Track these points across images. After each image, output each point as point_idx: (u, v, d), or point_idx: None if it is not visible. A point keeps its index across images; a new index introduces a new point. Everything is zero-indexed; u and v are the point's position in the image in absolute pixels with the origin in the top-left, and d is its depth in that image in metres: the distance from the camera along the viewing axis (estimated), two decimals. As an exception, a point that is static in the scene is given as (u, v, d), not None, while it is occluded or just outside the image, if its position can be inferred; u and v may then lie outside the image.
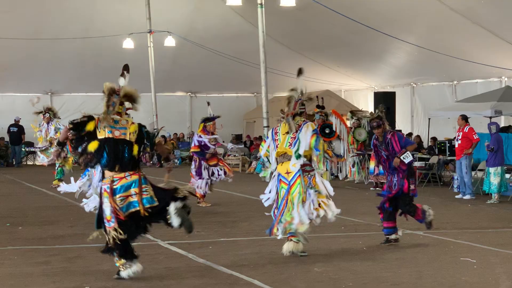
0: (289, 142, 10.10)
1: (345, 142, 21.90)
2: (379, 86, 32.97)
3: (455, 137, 18.94)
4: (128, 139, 8.34)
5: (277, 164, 10.17)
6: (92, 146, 8.25)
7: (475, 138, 17.74)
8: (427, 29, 25.36)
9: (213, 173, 15.96)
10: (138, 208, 8.24)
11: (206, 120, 16.06)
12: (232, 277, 8.55)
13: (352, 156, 22.35)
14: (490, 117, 22.17)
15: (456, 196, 17.93)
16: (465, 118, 18.10)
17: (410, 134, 27.46)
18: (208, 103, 16.78)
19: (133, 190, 8.23)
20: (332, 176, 22.68)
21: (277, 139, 10.24)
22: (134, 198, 8.23)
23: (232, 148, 23.99)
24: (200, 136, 15.92)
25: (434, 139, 24.82)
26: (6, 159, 32.35)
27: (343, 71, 32.67)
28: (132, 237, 8.41)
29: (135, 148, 8.35)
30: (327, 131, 21.35)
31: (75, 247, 10.41)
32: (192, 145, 16.13)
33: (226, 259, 9.54)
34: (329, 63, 31.89)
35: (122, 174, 8.22)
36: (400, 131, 24.52)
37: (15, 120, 31.61)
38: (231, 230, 12.43)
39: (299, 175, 9.95)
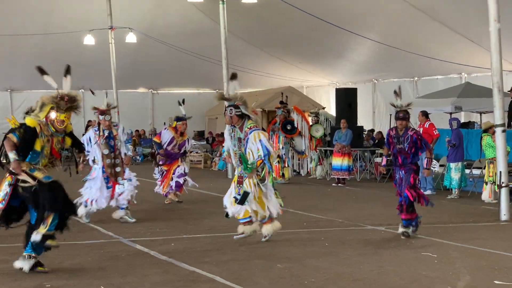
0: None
1: (307, 139, 21.96)
2: (340, 82, 33.12)
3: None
4: None
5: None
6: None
7: (435, 133, 17.87)
8: (388, 26, 25.51)
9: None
10: None
11: (177, 119, 15.84)
12: (194, 273, 8.53)
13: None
14: (451, 113, 22.38)
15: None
16: (425, 114, 18.23)
17: (372, 130, 27.62)
18: (180, 103, 16.47)
19: None
20: (294, 173, 22.75)
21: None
22: None
23: (194, 144, 23.95)
24: (163, 130, 15.85)
25: (395, 134, 24.95)
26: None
27: (304, 68, 32.75)
28: None
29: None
30: (288, 128, 21.43)
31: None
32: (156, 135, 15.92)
33: (188, 256, 9.52)
34: (291, 60, 31.95)
35: None
36: (361, 127, 24.70)
37: None
38: (193, 227, 12.40)
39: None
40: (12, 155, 8.52)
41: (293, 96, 30.33)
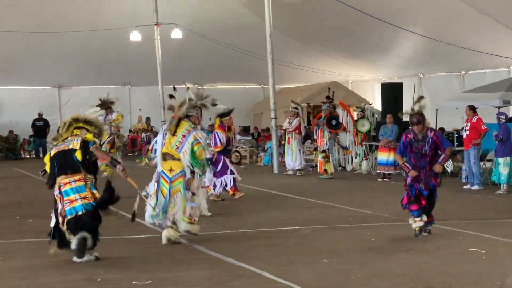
0: (176, 146, 10.31)
1: (351, 134, 21.88)
2: (386, 77, 32.90)
3: (463, 128, 18.88)
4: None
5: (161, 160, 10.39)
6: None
7: (483, 128, 17.66)
8: (434, 19, 25.28)
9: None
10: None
11: (221, 115, 15.57)
12: (240, 268, 8.56)
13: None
14: (499, 107, 22.10)
15: (465, 187, 17.89)
16: (473, 109, 18.03)
17: (417, 125, 27.33)
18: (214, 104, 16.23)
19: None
20: (339, 168, 22.68)
21: (165, 138, 10.44)
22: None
23: (240, 140, 23.98)
24: (216, 134, 15.34)
25: (441, 129, 24.73)
26: (15, 152, 32.52)
27: (350, 62, 32.62)
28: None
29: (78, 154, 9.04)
30: (333, 123, 21.39)
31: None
32: (213, 145, 15.02)
33: (234, 251, 9.55)
34: (336, 55, 31.84)
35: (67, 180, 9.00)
36: (407, 122, 24.47)
37: (39, 114, 32.04)
38: (239, 223, 12.43)
39: (181, 175, 10.25)
40: (117, 158, 9.01)
41: (339, 91, 30.22)
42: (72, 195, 8.90)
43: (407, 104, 27.38)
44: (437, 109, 25.28)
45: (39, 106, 32.45)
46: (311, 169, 23.57)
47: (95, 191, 9.00)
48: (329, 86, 25.73)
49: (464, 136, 18.13)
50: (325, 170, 20.85)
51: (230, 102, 16.17)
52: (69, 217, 8.84)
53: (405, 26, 25.12)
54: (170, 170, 10.23)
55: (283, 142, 24.22)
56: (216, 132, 15.21)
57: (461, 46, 24.46)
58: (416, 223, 10.66)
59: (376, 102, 30.96)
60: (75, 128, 9.28)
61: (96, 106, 9.92)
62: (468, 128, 17.86)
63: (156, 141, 10.65)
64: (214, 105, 12.05)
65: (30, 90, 33.20)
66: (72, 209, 8.84)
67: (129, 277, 8.08)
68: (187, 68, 32.78)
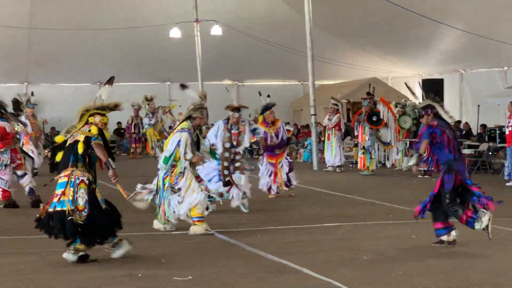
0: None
1: (393, 130, 21.74)
2: (426, 73, 32.63)
3: (506, 124, 18.68)
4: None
5: None
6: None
7: (526, 124, 17.46)
8: (476, 14, 25.02)
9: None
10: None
11: (263, 110, 15.54)
12: (280, 264, 8.56)
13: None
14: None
15: (507, 184, 17.70)
16: (515, 105, 17.83)
17: (459, 122, 27.16)
18: (260, 93, 16.35)
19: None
20: (380, 164, 22.56)
21: None
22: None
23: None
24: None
25: (483, 126, 24.53)
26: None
27: (390, 59, 32.39)
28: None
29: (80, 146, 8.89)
30: (374, 119, 21.27)
31: (125, 235, 10.50)
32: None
33: (274, 247, 9.54)
34: (376, 50, 31.65)
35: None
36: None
37: None
38: (278, 219, 12.43)
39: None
40: (111, 163, 8.86)
41: (378, 87, 29.99)
42: (58, 190, 8.81)
43: (449, 101, 27.31)
44: (478, 106, 25.10)
45: (80, 102, 32.51)
46: (351, 165, 23.50)
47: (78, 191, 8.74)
48: (369, 82, 25.60)
49: (507, 132, 17.93)
50: (367, 166, 20.81)
51: (265, 97, 16.13)
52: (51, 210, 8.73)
53: (446, 21, 24.89)
54: None
55: (322, 138, 24.17)
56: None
57: (504, 41, 24.16)
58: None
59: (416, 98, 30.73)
60: (90, 116, 9.27)
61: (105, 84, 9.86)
62: (510, 124, 17.65)
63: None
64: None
65: (72, 87, 33.46)
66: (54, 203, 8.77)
67: (169, 273, 8.11)
68: (227, 65, 32.82)
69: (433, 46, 29.35)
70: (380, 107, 21.62)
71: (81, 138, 8.92)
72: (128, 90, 31.56)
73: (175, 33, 30.49)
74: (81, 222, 8.63)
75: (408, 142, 22.04)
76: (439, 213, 9.67)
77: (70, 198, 8.67)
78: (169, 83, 34.83)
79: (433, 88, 23.38)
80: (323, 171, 22.29)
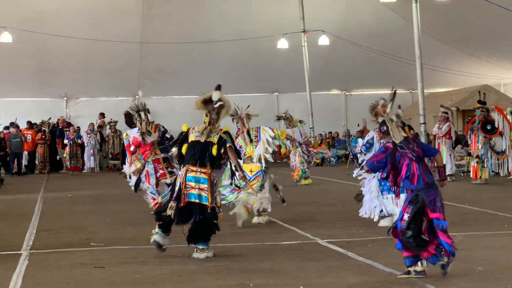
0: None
1: (508, 139, 21.21)
2: (541, 79, 31.83)
3: None
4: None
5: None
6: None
7: None
8: None
9: None
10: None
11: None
12: (391, 275, 8.48)
13: None
14: None
15: None
16: None
17: None
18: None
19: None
20: (493, 173, 22.06)
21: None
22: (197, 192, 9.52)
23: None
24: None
25: None
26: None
27: (502, 65, 31.73)
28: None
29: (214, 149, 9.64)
30: (488, 128, 20.83)
31: (236, 245, 10.64)
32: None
33: (385, 257, 9.46)
34: (487, 57, 31.07)
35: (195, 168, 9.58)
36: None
37: None
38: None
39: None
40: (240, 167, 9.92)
41: (490, 95, 29.45)
42: (193, 182, 9.49)
43: None
44: None
45: (190, 115, 33.15)
46: (462, 174, 23.07)
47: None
48: (479, 89, 25.11)
49: None
50: (480, 175, 20.40)
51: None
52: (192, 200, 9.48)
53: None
54: (250, 171, 12.44)
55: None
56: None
57: None
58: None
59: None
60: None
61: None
62: None
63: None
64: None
65: (182, 99, 34.09)
66: (190, 194, 9.48)
67: (281, 283, 8.15)
68: (334, 74, 32.87)
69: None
70: (495, 115, 21.13)
71: (214, 140, 9.66)
72: (236, 101, 31.89)
73: (282, 44, 30.72)
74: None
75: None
76: None
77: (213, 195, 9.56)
78: (277, 93, 35.05)
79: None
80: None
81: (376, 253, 9.90)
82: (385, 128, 8.69)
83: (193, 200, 9.49)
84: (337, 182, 21.64)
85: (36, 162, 30.66)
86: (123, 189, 15.93)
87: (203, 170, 9.52)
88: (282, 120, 21.49)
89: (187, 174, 9.51)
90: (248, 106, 13.80)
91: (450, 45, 30.81)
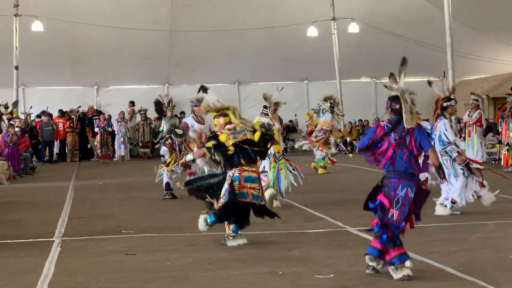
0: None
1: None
2: None
3: None
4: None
5: None
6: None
7: None
8: None
9: None
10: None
11: None
12: (423, 263, 8.47)
13: None
14: None
15: None
16: None
17: None
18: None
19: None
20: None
21: None
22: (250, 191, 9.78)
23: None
24: None
25: None
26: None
27: (534, 52, 31.45)
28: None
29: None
30: (520, 116, 20.64)
31: (266, 233, 10.66)
32: None
33: (416, 246, 9.42)
34: (519, 44, 30.79)
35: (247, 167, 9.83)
36: None
37: None
38: (421, 217, 12.24)
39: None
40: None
41: (522, 82, 29.21)
42: (247, 183, 9.72)
43: None
44: None
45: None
46: (493, 162, 22.90)
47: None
48: (511, 77, 24.89)
49: None
50: (511, 163, 20.25)
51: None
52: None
53: None
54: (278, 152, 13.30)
55: (463, 135, 23.66)
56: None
57: None
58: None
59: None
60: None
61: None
62: None
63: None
64: None
65: (211, 87, 34.03)
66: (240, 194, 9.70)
67: (311, 271, 8.17)
68: (364, 62, 32.68)
69: None
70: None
71: (250, 136, 9.97)
72: (266, 89, 31.89)
73: (312, 31, 30.64)
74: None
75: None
76: None
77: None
78: (307, 81, 34.97)
79: None
80: (464, 168, 21.77)
81: (407, 241, 9.86)
82: (397, 106, 8.01)
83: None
84: (367, 170, 21.60)
85: (66, 150, 30.86)
86: (153, 177, 15.99)
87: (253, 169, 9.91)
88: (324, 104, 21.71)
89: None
90: (282, 88, 15.11)
91: (481, 32, 30.54)
